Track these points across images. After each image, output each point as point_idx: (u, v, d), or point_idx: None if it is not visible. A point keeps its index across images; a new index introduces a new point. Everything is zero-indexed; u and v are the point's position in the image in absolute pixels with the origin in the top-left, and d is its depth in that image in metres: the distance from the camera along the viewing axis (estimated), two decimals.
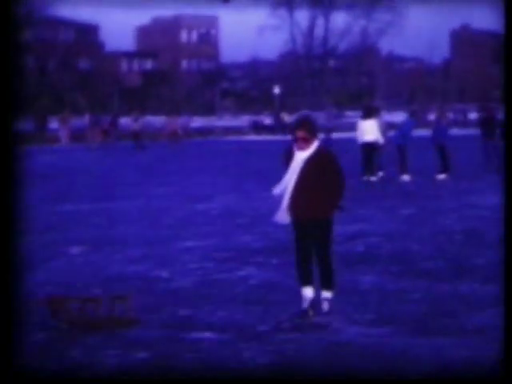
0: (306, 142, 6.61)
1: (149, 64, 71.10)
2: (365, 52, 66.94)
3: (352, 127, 25.35)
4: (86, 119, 39.87)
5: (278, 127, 46.70)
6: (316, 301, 6.96)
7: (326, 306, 6.94)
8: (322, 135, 32.91)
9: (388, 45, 70.21)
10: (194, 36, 74.56)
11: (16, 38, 5.56)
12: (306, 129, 6.64)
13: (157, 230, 11.99)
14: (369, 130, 18.81)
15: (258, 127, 48.32)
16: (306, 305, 6.90)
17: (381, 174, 19.06)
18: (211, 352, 6.03)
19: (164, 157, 29.04)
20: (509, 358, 5.02)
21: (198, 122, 45.86)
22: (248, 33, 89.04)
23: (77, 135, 39.18)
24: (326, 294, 6.96)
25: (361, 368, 5.65)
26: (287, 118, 47.14)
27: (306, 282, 6.90)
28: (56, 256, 9.86)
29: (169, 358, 5.90)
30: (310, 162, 6.66)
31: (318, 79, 63.59)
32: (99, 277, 8.61)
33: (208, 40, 74.14)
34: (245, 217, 13.13)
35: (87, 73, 61.19)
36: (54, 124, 41.82)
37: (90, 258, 9.80)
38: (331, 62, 68.54)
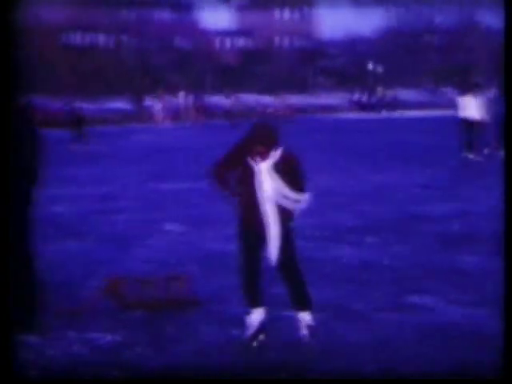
0: (266, 154, 5.53)
1: (244, 42, 71.32)
2: (464, 27, 65.39)
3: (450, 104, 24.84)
4: (181, 98, 40.31)
5: (375, 105, 46.24)
6: (266, 321, 5.72)
7: (306, 333, 5.66)
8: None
9: (488, 18, 68.30)
10: (291, 13, 74.27)
11: (15, 20, 5.61)
12: (266, 144, 5.51)
13: None
14: (468, 106, 18.42)
15: (356, 105, 47.91)
16: (252, 330, 5.61)
17: (486, 151, 18.64)
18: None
19: None
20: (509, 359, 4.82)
21: (293, 99, 45.77)
22: (345, 9, 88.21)
23: (173, 113, 39.73)
24: (305, 317, 5.70)
25: (460, 349, 5.55)
26: (382, 94, 46.57)
27: (257, 302, 5.70)
28: (155, 234, 10.01)
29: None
30: (276, 170, 5.54)
31: (415, 55, 62.54)
32: (197, 255, 8.70)
33: (305, 17, 73.74)
34: (340, 195, 13.04)
35: (183, 52, 61.84)
36: (151, 103, 42.45)
37: (187, 236, 9.91)
38: (429, 38, 67.25)
